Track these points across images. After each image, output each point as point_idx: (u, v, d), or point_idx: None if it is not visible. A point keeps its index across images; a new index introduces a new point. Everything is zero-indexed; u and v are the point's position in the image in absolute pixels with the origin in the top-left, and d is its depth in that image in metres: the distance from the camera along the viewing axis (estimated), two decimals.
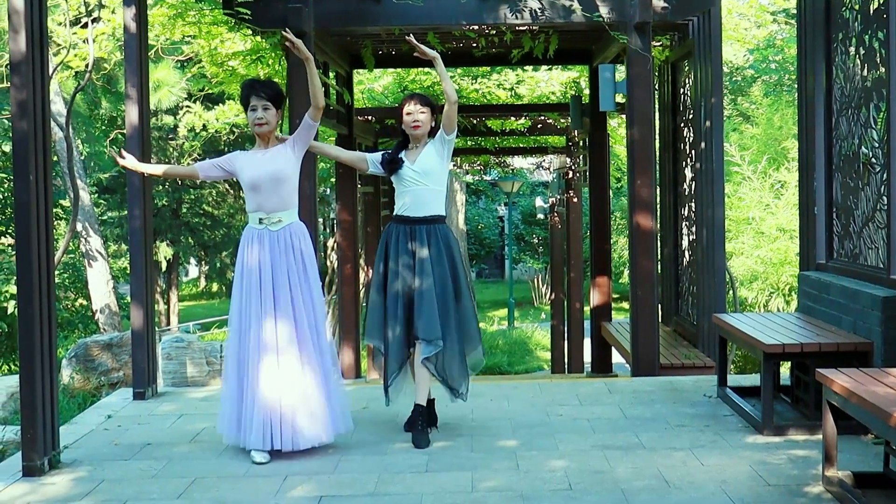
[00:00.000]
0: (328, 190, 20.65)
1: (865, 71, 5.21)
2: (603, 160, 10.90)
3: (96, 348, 8.70)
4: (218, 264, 27.05)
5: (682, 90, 8.85)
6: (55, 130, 13.85)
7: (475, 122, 15.29)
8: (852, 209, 5.44)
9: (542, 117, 15.05)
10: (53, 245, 4.78)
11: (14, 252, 5.55)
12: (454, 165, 19.81)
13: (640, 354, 7.22)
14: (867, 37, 5.16)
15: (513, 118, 15.19)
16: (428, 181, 5.12)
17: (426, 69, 13.99)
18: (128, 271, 7.21)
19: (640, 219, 7.26)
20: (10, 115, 4.71)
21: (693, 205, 8.42)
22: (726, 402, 5.78)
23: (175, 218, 24.42)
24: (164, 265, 25.38)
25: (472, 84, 14.40)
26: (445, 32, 8.91)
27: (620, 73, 8.53)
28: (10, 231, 16.06)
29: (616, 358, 10.74)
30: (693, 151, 8.33)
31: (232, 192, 24.57)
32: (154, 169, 5.50)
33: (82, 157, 17.49)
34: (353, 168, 6.47)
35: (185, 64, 14.80)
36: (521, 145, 17.78)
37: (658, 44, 9.04)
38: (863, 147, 5.26)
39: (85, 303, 17.56)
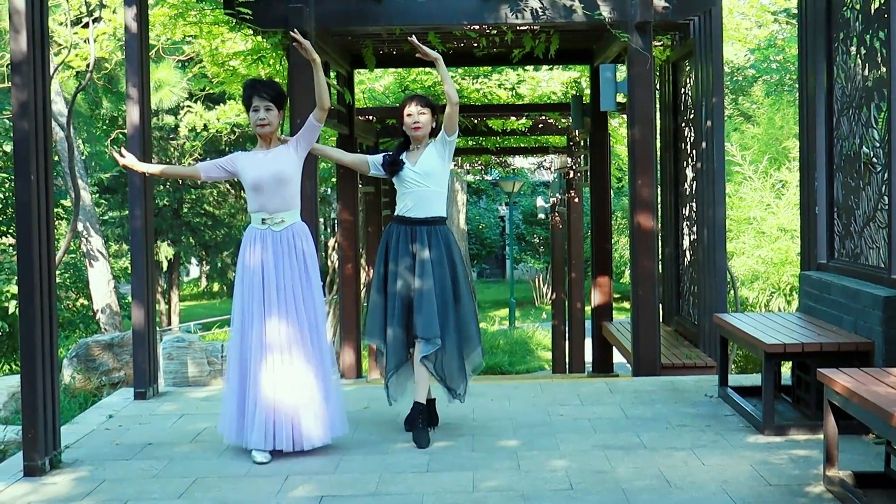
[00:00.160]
0: (329, 190, 20.65)
1: (866, 71, 5.21)
2: (604, 160, 10.89)
3: (97, 348, 8.71)
4: (219, 264, 27.05)
5: (683, 90, 8.85)
6: (56, 130, 13.86)
7: (476, 121, 15.29)
8: (853, 209, 5.44)
9: (543, 117, 15.04)
10: (54, 245, 4.78)
11: (15, 252, 5.56)
12: (455, 165, 19.81)
13: (641, 354, 7.22)
14: (868, 36, 5.16)
15: (514, 118, 15.18)
16: (429, 182, 5.12)
17: (427, 69, 14.00)
18: (129, 271, 7.22)
19: (641, 219, 7.26)
20: (11, 115, 4.70)
21: (694, 204, 8.42)
22: (727, 402, 5.78)
23: (176, 218, 24.42)
24: (165, 265, 25.38)
25: (473, 84, 14.40)
26: (446, 32, 8.91)
27: (621, 72, 8.53)
28: (11, 231, 16.06)
29: (617, 358, 10.74)
30: (694, 151, 8.33)
31: (233, 192, 24.57)
32: (154, 168, 5.49)
33: (83, 157, 17.51)
34: (355, 170, 6.47)
35: (186, 64, 14.81)
36: (522, 145, 17.77)
37: (659, 43, 9.03)
38: (864, 147, 5.26)
39: (86, 303, 17.57)
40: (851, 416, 3.91)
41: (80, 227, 15.27)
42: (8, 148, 15.31)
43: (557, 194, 18.08)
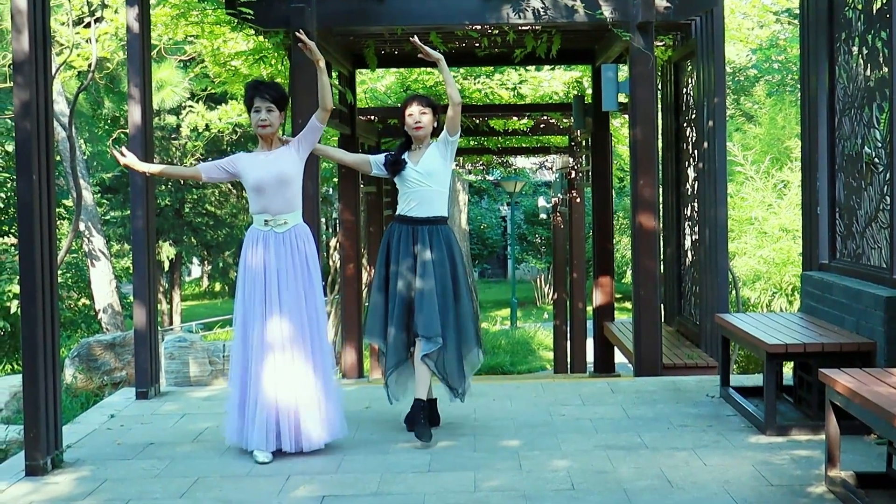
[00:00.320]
0: (331, 190, 20.64)
1: (868, 71, 5.20)
2: (605, 160, 10.89)
3: (99, 348, 8.72)
4: (221, 264, 27.05)
5: (684, 90, 8.84)
6: (58, 130, 13.87)
7: (478, 121, 15.29)
8: (855, 209, 5.43)
9: (545, 117, 15.04)
10: (56, 245, 4.79)
11: (17, 252, 5.56)
12: (457, 165, 19.81)
13: (642, 354, 7.22)
14: (870, 37, 5.16)
15: (515, 118, 15.18)
16: (431, 182, 5.13)
17: (429, 69, 13.99)
18: (130, 271, 7.23)
19: (643, 219, 7.25)
20: (13, 115, 4.70)
21: (696, 205, 8.41)
22: (729, 403, 5.78)
23: (178, 218, 24.42)
24: (166, 265, 25.39)
25: (474, 84, 14.40)
26: (448, 32, 8.90)
27: (623, 72, 8.53)
28: (13, 231, 16.08)
29: (619, 358, 10.74)
30: (696, 151, 8.33)
31: (235, 192, 24.56)
32: (155, 168, 5.48)
33: (85, 157, 17.52)
34: (357, 170, 6.47)
35: (188, 64, 14.81)
36: (524, 145, 17.77)
37: (661, 43, 9.03)
38: (866, 147, 5.26)
39: (88, 302, 17.59)
40: (853, 416, 3.91)
41: (81, 226, 15.28)
42: (10, 148, 15.32)
43: (559, 194, 18.08)
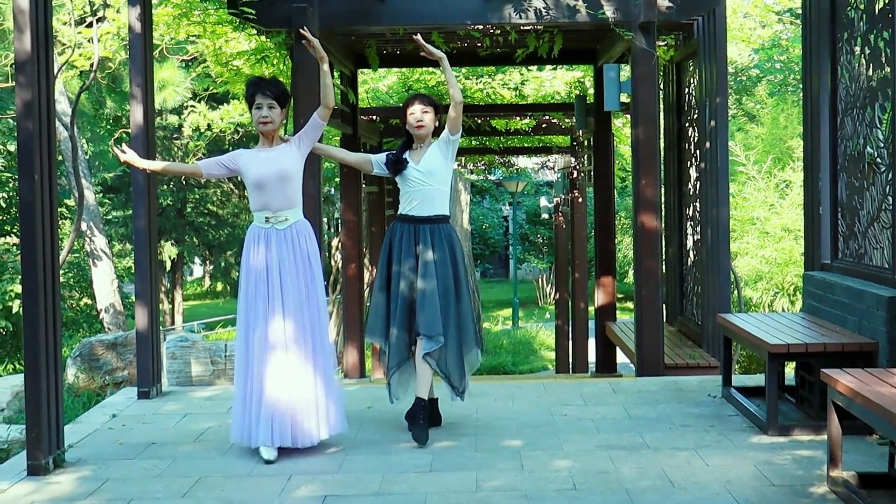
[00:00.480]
0: (332, 189, 20.65)
1: (870, 70, 5.20)
2: (607, 160, 10.88)
3: (101, 348, 8.73)
4: (222, 263, 27.05)
5: (686, 90, 8.84)
6: (60, 130, 13.89)
7: (480, 121, 15.29)
8: (857, 209, 5.43)
9: (547, 117, 15.04)
10: (58, 244, 4.79)
11: (19, 251, 5.56)
12: (459, 165, 19.81)
13: (644, 354, 7.22)
14: (872, 36, 5.15)
15: (517, 118, 15.18)
16: (432, 181, 5.13)
17: (430, 69, 13.99)
18: (132, 271, 7.22)
19: (645, 219, 7.25)
20: (15, 115, 4.71)
21: (698, 204, 8.41)
22: (731, 403, 5.77)
23: (180, 217, 24.44)
24: (168, 264, 25.40)
25: (476, 84, 14.40)
26: (450, 32, 8.90)
27: (625, 72, 8.52)
28: (14, 230, 16.11)
29: (620, 358, 10.74)
30: (698, 151, 8.32)
31: (236, 191, 24.57)
32: (156, 165, 5.48)
33: (87, 157, 17.53)
34: (359, 169, 6.46)
35: (190, 63, 14.82)
36: (526, 145, 17.77)
37: (663, 43, 9.02)
38: (868, 147, 5.25)
39: (89, 302, 17.61)
40: (855, 416, 3.91)
41: (83, 226, 15.29)
42: (12, 147, 15.34)
43: (561, 194, 18.09)
